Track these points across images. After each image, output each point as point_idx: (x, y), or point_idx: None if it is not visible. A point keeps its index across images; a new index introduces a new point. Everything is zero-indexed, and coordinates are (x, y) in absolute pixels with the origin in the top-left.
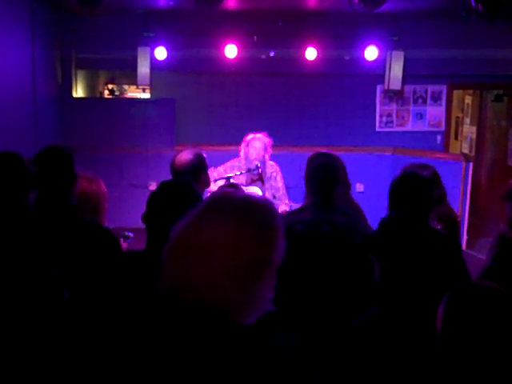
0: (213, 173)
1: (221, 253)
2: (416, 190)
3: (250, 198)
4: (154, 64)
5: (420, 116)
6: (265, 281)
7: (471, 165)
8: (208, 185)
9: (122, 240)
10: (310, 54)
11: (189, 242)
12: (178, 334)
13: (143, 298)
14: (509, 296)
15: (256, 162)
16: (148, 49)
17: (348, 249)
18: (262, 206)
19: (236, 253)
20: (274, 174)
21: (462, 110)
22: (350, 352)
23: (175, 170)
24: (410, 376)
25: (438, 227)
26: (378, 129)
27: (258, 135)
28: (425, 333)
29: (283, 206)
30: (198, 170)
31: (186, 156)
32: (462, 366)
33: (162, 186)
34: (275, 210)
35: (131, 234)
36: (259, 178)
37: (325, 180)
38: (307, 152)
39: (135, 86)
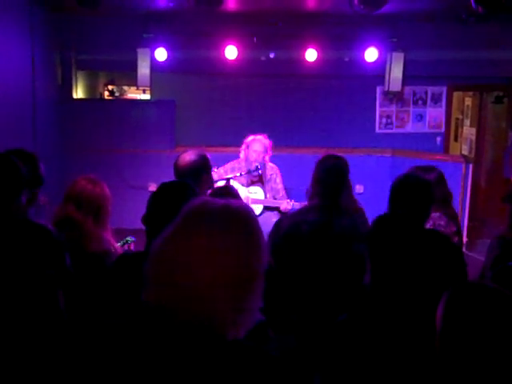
0: (213, 174)
1: (206, 265)
2: (415, 192)
3: (230, 207)
4: (154, 65)
5: (420, 117)
6: (253, 289)
7: (471, 166)
8: (211, 186)
9: (125, 246)
10: (310, 55)
11: (172, 257)
12: (168, 352)
13: (134, 311)
14: (507, 295)
15: (256, 164)
16: (148, 50)
17: (352, 251)
18: (243, 214)
19: (221, 263)
20: (274, 176)
21: (462, 112)
22: (339, 350)
23: (177, 170)
24: (408, 376)
25: (453, 229)
26: (377, 130)
27: (258, 137)
28: (421, 332)
29: (285, 205)
30: (200, 171)
31: (188, 157)
32: (462, 365)
33: (162, 187)
34: (256, 217)
35: (134, 238)
36: (259, 180)
37: (334, 183)
38: (307, 153)
39: (135, 87)
